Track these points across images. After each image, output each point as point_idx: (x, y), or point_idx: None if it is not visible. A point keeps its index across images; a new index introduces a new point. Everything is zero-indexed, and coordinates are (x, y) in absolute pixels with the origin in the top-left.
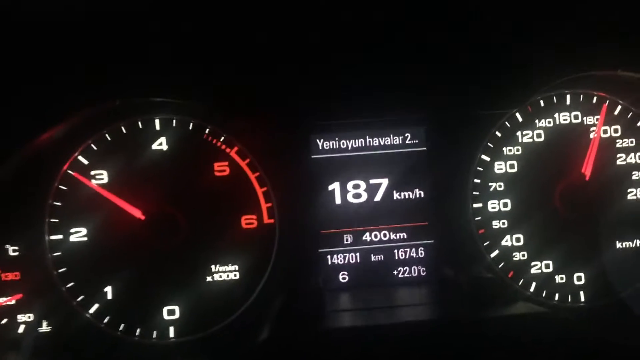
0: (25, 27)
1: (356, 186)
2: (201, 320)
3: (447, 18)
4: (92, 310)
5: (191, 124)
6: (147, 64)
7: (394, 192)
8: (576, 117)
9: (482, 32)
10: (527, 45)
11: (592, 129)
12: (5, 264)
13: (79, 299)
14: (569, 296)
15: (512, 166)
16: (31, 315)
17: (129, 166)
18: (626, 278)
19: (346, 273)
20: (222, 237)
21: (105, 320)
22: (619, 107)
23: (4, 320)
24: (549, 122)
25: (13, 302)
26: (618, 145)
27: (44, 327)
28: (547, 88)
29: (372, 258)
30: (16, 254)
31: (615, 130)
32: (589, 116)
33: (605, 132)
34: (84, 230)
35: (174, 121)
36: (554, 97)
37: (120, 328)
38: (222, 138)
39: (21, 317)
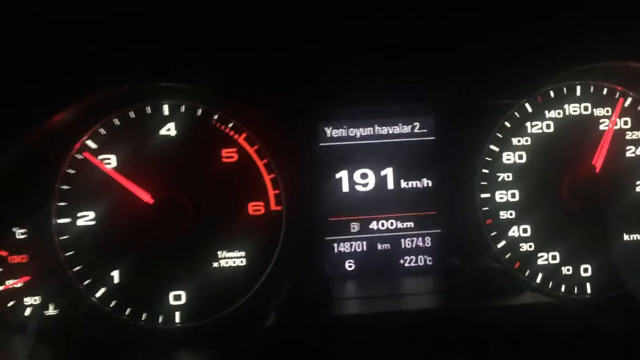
0: (35, 12)
1: (364, 175)
2: (207, 306)
3: (457, 7)
4: (98, 294)
5: (200, 110)
6: (155, 49)
7: (402, 181)
8: (586, 108)
9: (492, 22)
10: (538, 36)
11: (602, 120)
12: (13, 246)
13: (86, 282)
14: (576, 288)
15: (520, 157)
16: (38, 298)
17: (137, 151)
18: (633, 270)
19: (353, 261)
20: (229, 223)
21: (112, 304)
22: (630, 99)
23: (11, 303)
24: (559, 113)
25: (20, 284)
26: (628, 137)
27: (51, 310)
28: (558, 79)
29: (379, 246)
30: (24, 236)
31: (625, 123)
32: (599, 108)
33: (615, 124)
34: (91, 214)
35: (183, 107)
36: (564, 88)
37: (127, 312)
38: (231, 124)
39: (28, 300)
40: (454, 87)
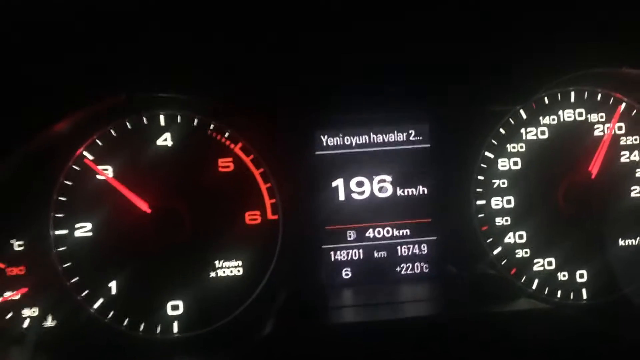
0: (32, 21)
1: (360, 183)
2: (205, 315)
3: (451, 15)
4: (96, 305)
5: (196, 120)
6: (151, 59)
7: (398, 188)
8: (580, 114)
9: (486, 29)
10: (532, 42)
11: (596, 126)
12: (10, 258)
13: (84, 293)
14: (572, 293)
15: (515, 163)
16: (36, 309)
17: (134, 162)
18: (629, 275)
19: (349, 269)
20: (226, 233)
21: (110, 315)
22: (624, 104)
23: (9, 315)
24: (553, 120)
25: (18, 296)
26: (622, 142)
27: (49, 322)
28: (552, 85)
29: (375, 254)
30: (21, 248)
31: (620, 128)
32: (593, 113)
33: (613, 130)
34: (88, 225)
35: (179, 117)
36: (559, 94)
37: (125, 323)
38: (227, 134)
39: (26, 312)
40: (449, 94)
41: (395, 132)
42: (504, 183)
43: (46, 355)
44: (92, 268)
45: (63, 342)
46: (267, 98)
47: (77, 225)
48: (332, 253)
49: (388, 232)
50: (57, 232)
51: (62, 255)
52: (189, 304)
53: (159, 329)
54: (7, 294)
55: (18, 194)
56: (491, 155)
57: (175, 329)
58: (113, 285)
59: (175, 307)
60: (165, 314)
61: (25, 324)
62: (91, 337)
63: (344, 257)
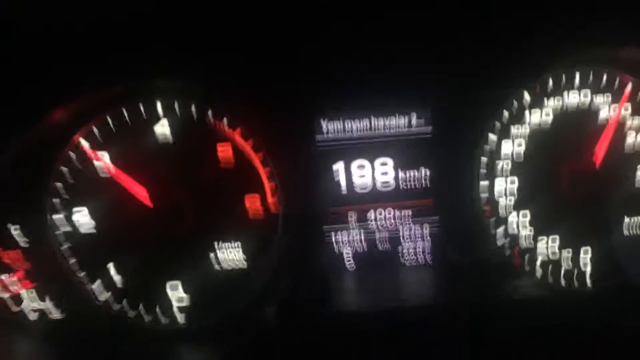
0: (28, 11)
1: (361, 166)
2: (210, 306)
3: None
4: (102, 298)
5: (193, 107)
6: (148, 46)
7: (400, 171)
8: (585, 95)
9: (488, 10)
10: (535, 23)
11: (601, 108)
12: (15, 253)
13: (91, 286)
14: (575, 279)
15: (519, 145)
16: (43, 303)
17: (131, 149)
18: (633, 260)
19: (351, 255)
20: (227, 219)
21: (116, 307)
22: (630, 84)
23: (17, 308)
24: (558, 101)
25: (25, 290)
26: (629, 124)
27: (56, 315)
28: (556, 66)
29: (378, 240)
30: (27, 246)
31: (625, 108)
32: (598, 95)
33: (615, 110)
34: (91, 222)
35: (176, 104)
36: (563, 76)
37: (131, 315)
38: (225, 120)
39: (34, 305)
40: (451, 77)
41: (397, 114)
42: (507, 164)
43: (54, 347)
44: (98, 261)
45: (70, 334)
46: (266, 84)
47: (75, 210)
48: (333, 238)
49: (391, 216)
50: (61, 230)
51: (68, 249)
52: (194, 294)
53: (165, 320)
54: (15, 288)
55: (16, 180)
56: (494, 137)
57: (181, 319)
58: (118, 278)
59: (180, 299)
60: (170, 305)
61: (33, 316)
62: (98, 330)
63: (345, 242)
